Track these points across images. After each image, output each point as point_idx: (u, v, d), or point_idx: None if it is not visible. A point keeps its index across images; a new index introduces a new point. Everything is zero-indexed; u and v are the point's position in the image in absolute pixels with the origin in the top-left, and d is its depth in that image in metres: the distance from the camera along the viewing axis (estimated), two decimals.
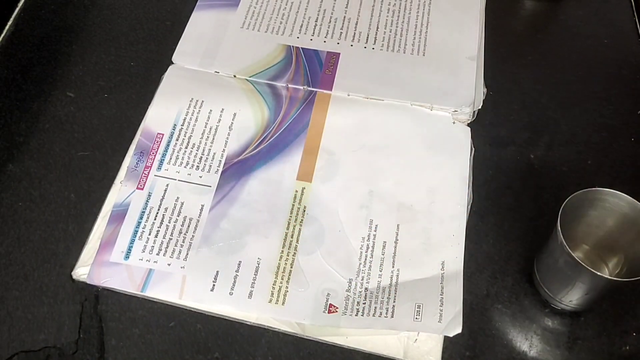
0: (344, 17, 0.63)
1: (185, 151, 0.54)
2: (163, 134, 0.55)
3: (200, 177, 0.53)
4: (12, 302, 0.48)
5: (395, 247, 0.50)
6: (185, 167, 0.54)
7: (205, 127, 0.56)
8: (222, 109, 0.57)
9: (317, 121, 0.56)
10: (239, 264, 0.49)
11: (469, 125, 0.56)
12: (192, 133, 0.55)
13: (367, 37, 0.62)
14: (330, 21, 0.63)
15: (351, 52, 0.60)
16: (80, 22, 0.64)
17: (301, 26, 0.62)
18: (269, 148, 0.55)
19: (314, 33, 0.62)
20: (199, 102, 0.57)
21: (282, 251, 0.49)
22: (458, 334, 0.45)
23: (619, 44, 0.63)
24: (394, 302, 0.47)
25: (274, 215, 0.51)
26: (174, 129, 0.56)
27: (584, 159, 0.56)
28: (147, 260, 0.49)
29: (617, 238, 0.46)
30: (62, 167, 0.54)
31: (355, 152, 0.55)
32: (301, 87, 0.58)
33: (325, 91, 0.58)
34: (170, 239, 0.50)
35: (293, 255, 0.49)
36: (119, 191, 0.52)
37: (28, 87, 0.59)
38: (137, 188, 0.52)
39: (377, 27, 0.62)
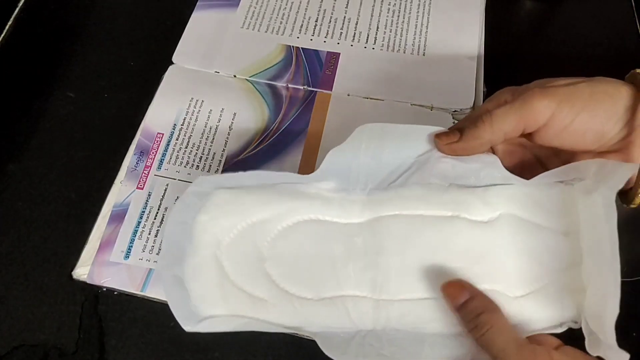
0: (344, 17, 0.63)
1: (185, 151, 0.54)
2: (163, 134, 0.55)
3: None
4: (12, 301, 0.48)
5: None
6: (185, 166, 0.54)
7: (205, 127, 0.56)
8: (222, 109, 0.57)
9: (317, 121, 0.56)
10: None
11: None
12: (192, 133, 0.55)
13: (367, 37, 0.62)
14: (330, 21, 0.63)
15: (351, 52, 0.60)
16: (80, 22, 0.64)
17: (301, 26, 0.62)
18: (269, 148, 0.55)
19: (314, 33, 0.62)
20: (199, 102, 0.57)
21: None
22: None
23: (619, 44, 0.63)
24: None
25: None
26: (174, 129, 0.56)
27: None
28: (147, 259, 0.49)
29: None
30: (62, 167, 0.54)
31: None
32: (301, 87, 0.58)
33: (325, 91, 0.58)
34: None
35: None
36: (119, 191, 0.52)
37: (28, 87, 0.59)
38: (137, 188, 0.52)
39: (377, 27, 0.62)
